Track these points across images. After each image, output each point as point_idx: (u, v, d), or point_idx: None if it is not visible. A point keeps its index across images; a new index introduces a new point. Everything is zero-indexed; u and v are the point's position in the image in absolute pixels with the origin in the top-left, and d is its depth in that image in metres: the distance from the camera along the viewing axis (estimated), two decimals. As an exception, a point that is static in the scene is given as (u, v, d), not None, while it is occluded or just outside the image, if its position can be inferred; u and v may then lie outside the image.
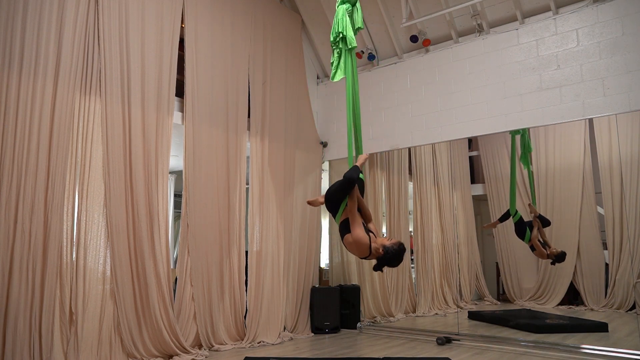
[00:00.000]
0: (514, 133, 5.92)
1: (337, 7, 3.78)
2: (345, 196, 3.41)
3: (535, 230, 5.89)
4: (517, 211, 6.01)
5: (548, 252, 5.80)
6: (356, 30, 3.80)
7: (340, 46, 3.71)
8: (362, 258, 3.36)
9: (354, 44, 3.67)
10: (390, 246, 3.20)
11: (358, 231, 3.24)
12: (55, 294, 3.84)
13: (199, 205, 5.04)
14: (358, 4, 3.83)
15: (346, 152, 3.79)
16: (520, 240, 6.03)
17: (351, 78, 3.68)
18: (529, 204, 6.10)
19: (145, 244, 4.42)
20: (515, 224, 6.04)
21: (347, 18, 3.72)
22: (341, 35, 3.68)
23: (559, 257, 5.76)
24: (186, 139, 5.03)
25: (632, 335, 4.80)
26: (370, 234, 3.32)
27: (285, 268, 5.93)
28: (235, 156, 5.51)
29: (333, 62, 3.75)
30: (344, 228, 3.37)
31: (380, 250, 3.21)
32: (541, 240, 5.87)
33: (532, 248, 5.90)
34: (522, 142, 6.06)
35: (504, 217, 6.26)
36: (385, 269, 3.39)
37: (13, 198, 3.66)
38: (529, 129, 5.82)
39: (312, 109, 6.87)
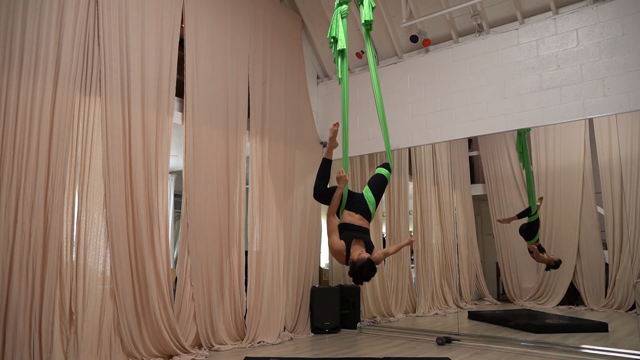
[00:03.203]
0: (523, 132, 5.87)
1: (335, 8, 3.79)
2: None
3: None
4: (537, 211, 5.99)
5: (547, 258, 5.83)
6: (367, 24, 3.77)
7: (333, 49, 3.74)
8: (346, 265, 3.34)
9: (343, 46, 3.68)
10: (356, 260, 3.14)
11: (330, 239, 3.27)
12: (55, 294, 3.84)
13: (199, 205, 5.05)
14: None
15: (347, 151, 3.80)
16: (520, 241, 6.03)
17: (347, 80, 3.68)
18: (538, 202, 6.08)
19: (145, 244, 4.42)
20: (530, 223, 5.99)
21: (341, 21, 3.73)
22: (333, 39, 3.70)
23: (557, 264, 5.80)
24: (186, 139, 5.04)
25: (632, 335, 4.80)
26: (359, 242, 3.26)
27: (285, 268, 5.93)
28: (235, 156, 5.51)
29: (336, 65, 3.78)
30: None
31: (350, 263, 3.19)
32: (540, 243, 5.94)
33: (530, 251, 5.92)
34: (521, 142, 6.06)
35: (523, 214, 6.18)
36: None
37: (13, 198, 3.66)
38: (527, 129, 5.83)
39: (312, 109, 6.87)
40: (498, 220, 6.71)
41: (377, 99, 3.78)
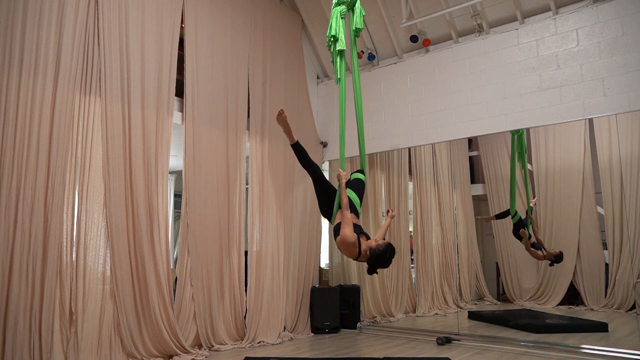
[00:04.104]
0: (514, 133, 5.91)
1: (332, 9, 3.80)
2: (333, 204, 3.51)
3: (530, 230, 5.93)
4: (516, 211, 6.02)
5: (545, 254, 5.82)
6: (356, 31, 3.80)
7: (331, 49, 3.74)
8: (354, 259, 3.37)
9: (343, 47, 3.71)
10: (375, 247, 3.22)
11: (345, 230, 3.27)
12: (55, 294, 3.85)
13: (199, 205, 5.04)
14: (358, 5, 3.83)
15: (346, 152, 3.82)
16: (520, 241, 6.04)
17: (345, 80, 3.75)
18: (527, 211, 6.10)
19: (145, 244, 4.42)
20: (515, 225, 6.06)
21: (340, 21, 3.74)
22: (333, 38, 3.70)
23: (558, 258, 5.78)
24: (186, 139, 5.04)
25: (632, 335, 4.80)
26: (362, 236, 3.35)
27: (285, 268, 5.93)
28: (235, 156, 5.51)
29: (334, 65, 3.79)
30: (337, 230, 3.42)
31: (368, 252, 3.23)
32: (534, 241, 5.91)
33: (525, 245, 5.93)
34: (519, 142, 6.07)
35: (502, 215, 6.30)
36: (384, 269, 3.40)
37: (13, 198, 3.66)
38: (527, 129, 5.83)
39: (312, 109, 6.87)
40: (477, 218, 6.76)
41: (358, 104, 3.84)
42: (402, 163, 7.23)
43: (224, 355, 4.80)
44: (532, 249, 5.88)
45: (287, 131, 3.64)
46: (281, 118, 3.59)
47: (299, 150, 3.64)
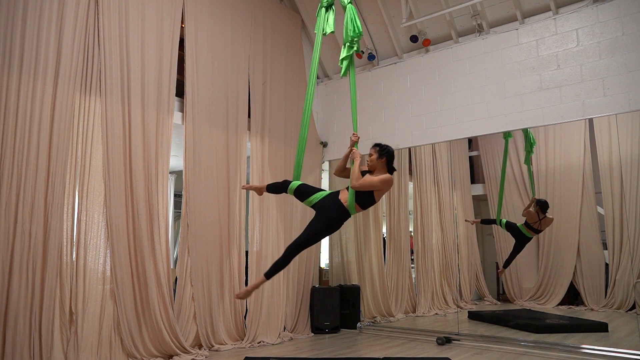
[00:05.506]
0: (507, 136, 5.94)
1: (347, 4, 3.69)
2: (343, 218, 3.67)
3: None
4: (501, 218, 6.08)
5: (537, 212, 5.87)
6: (324, 34, 3.81)
7: (355, 47, 3.69)
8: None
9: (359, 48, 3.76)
10: (379, 152, 3.56)
11: (375, 177, 3.48)
12: (55, 294, 3.85)
13: (199, 205, 5.04)
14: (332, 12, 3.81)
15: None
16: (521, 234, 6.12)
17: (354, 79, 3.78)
18: (527, 209, 6.12)
19: (145, 244, 4.42)
20: (507, 227, 6.13)
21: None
22: (358, 37, 3.65)
23: (542, 206, 5.86)
24: (186, 139, 5.04)
25: (632, 335, 4.80)
26: (367, 174, 3.60)
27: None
28: (235, 156, 5.51)
29: (346, 59, 3.72)
30: (366, 197, 3.51)
31: (383, 159, 3.53)
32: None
33: (535, 231, 5.94)
34: (526, 141, 6.10)
35: (487, 221, 6.51)
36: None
37: (13, 198, 3.66)
38: (529, 129, 5.84)
39: (312, 109, 6.85)
40: (466, 220, 6.84)
41: (306, 111, 3.97)
42: (402, 163, 7.23)
43: (224, 355, 4.80)
44: (535, 219, 5.89)
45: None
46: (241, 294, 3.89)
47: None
